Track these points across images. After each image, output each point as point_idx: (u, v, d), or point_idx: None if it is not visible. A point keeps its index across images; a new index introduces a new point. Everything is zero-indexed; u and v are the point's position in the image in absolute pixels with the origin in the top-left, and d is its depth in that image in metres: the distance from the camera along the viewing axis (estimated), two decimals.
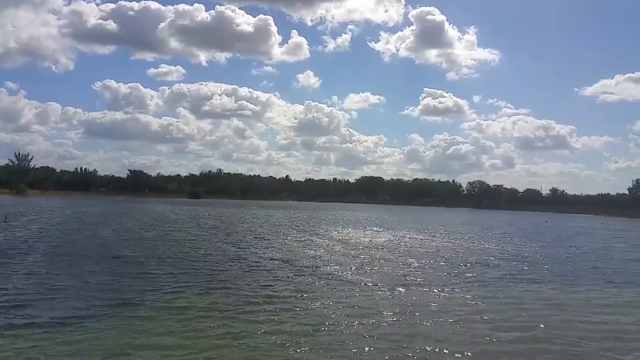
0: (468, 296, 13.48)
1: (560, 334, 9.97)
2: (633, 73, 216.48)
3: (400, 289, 14.13)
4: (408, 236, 33.74)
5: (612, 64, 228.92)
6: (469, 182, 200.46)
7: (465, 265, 19.64)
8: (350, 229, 38.74)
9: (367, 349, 8.74)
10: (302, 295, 12.71)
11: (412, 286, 14.62)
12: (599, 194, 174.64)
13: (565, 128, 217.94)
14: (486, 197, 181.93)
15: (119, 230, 29.58)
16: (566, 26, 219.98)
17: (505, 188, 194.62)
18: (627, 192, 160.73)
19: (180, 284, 13.48)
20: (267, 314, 10.77)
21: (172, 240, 24.84)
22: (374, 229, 40.70)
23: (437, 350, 8.79)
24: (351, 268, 17.59)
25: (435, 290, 14.16)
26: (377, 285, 14.53)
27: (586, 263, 21.97)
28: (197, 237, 27.33)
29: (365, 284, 14.57)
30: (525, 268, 19.60)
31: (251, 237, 28.46)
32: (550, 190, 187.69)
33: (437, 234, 37.10)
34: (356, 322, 10.39)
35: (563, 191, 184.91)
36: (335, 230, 36.60)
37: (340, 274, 16.23)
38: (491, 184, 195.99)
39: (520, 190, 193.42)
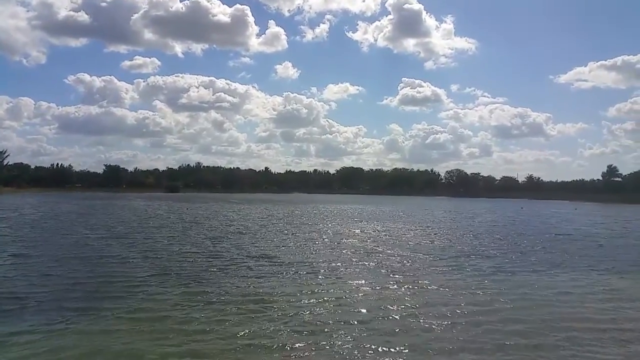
0: (462, 287, 13.48)
1: (561, 325, 10.12)
2: (605, 60, 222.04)
3: (392, 282, 14.01)
4: (396, 227, 33.79)
5: (585, 52, 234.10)
6: (447, 171, 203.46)
7: (458, 256, 19.70)
8: (336, 223, 38.81)
9: (354, 345, 8.67)
10: (291, 294, 12.41)
11: (406, 279, 14.48)
12: (573, 180, 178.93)
13: (541, 116, 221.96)
14: (464, 185, 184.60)
15: (93, 228, 28.99)
16: (541, 14, 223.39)
17: (482, 176, 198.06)
18: (600, 178, 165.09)
19: (156, 287, 13.08)
20: (248, 317, 10.43)
21: (148, 238, 24.24)
22: (362, 221, 40.65)
23: (430, 345, 8.78)
24: (338, 263, 17.41)
25: (433, 283, 14.00)
26: (368, 280, 14.41)
27: (580, 251, 22.29)
28: (175, 233, 26.79)
29: (357, 280, 14.41)
30: (520, 257, 19.82)
31: (232, 235, 28.16)
32: (526, 177, 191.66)
33: (425, 224, 37.24)
34: (345, 317, 10.27)
35: (539, 178, 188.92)
36: (322, 225, 36.65)
37: (327, 269, 16.07)
38: (469, 172, 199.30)
39: (497, 178, 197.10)
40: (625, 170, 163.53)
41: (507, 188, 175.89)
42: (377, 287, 13.47)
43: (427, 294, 12.85)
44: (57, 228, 29.04)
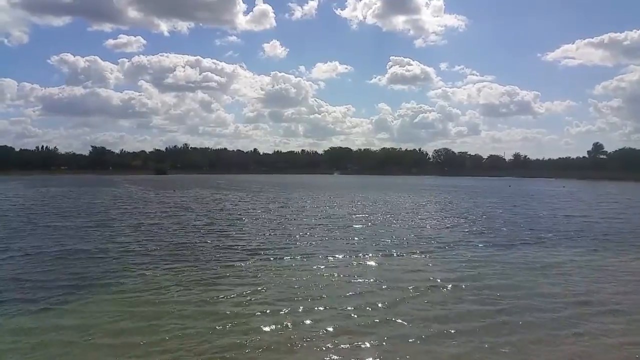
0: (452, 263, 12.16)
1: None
2: (592, 38, 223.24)
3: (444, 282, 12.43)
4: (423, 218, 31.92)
5: (572, 29, 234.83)
6: (435, 150, 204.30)
7: (496, 244, 17.43)
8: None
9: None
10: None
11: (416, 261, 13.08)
12: (560, 158, 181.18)
13: (529, 94, 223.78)
14: (451, 164, 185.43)
15: (72, 215, 26.42)
16: None
17: (469, 155, 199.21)
18: (586, 155, 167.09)
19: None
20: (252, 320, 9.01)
21: (128, 227, 21.46)
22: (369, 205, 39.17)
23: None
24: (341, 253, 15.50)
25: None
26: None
27: (623, 235, 20.47)
28: (160, 221, 24.26)
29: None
30: (567, 242, 18.19)
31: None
32: (513, 155, 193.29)
33: (442, 210, 32.76)
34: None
35: (525, 156, 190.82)
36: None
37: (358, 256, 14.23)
38: (456, 151, 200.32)
39: (485, 156, 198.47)
40: (611, 147, 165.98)
41: (493, 166, 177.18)
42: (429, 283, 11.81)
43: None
44: (35, 216, 26.09)
